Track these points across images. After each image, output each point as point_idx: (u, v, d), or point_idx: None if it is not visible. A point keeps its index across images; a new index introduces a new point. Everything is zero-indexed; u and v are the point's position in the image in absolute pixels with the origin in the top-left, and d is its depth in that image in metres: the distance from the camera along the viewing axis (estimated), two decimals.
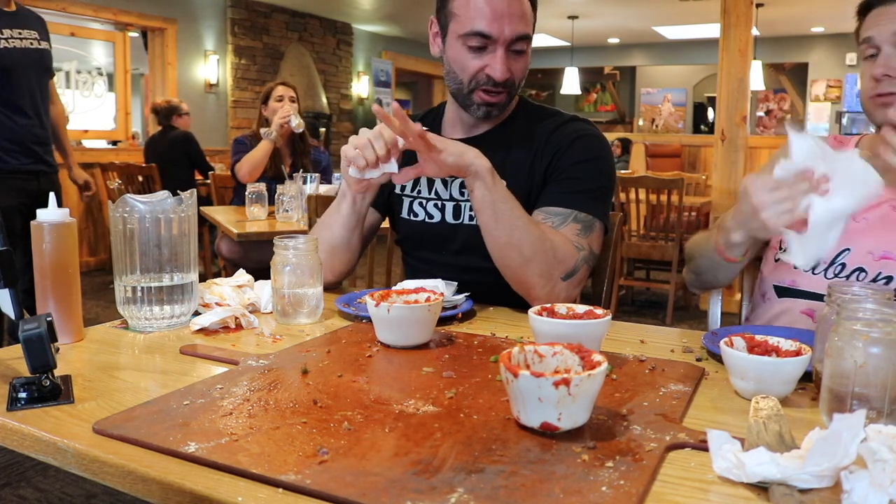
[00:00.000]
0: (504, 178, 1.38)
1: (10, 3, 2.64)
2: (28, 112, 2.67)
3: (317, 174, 3.36)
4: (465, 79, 1.33)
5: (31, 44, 2.67)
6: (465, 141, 1.43)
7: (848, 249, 1.22)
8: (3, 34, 2.57)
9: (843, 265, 1.23)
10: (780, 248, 1.29)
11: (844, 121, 9.92)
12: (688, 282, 1.43)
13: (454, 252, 1.43)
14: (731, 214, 1.14)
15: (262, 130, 3.52)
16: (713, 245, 1.21)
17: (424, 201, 1.46)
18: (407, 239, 1.53)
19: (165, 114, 5.42)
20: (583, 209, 1.31)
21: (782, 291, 1.29)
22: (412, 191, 1.48)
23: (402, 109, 1.11)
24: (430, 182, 1.45)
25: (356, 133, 1.25)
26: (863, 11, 1.26)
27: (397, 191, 1.50)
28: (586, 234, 1.30)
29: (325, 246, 1.34)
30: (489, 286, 1.31)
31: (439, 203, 1.44)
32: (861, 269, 1.23)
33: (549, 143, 1.37)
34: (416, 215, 1.47)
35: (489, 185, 1.19)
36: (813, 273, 1.26)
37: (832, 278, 1.24)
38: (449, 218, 1.43)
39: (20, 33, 2.63)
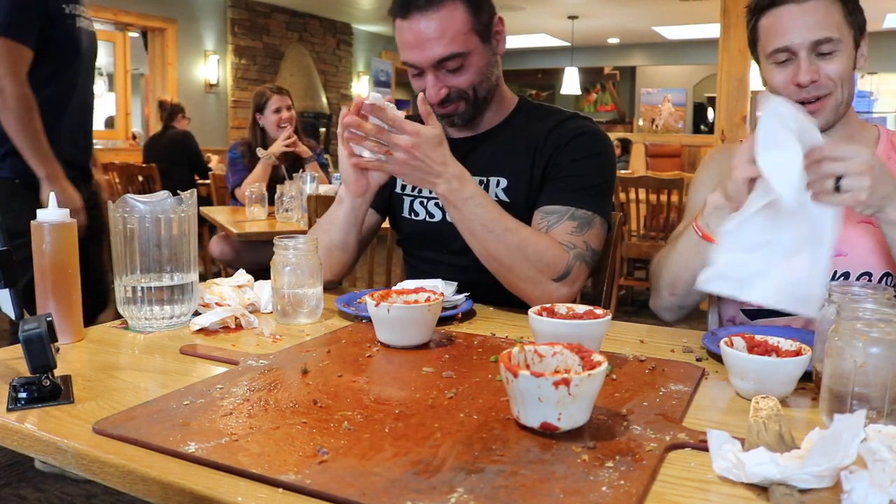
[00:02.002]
0: (503, 178, 1.39)
1: None
2: (84, 104, 2.25)
3: (317, 174, 3.36)
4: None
5: (90, 27, 2.24)
6: (465, 140, 1.43)
7: None
8: (77, 10, 2.10)
9: None
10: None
11: None
12: (658, 307, 1.31)
13: (455, 251, 1.42)
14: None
15: (260, 152, 3.43)
16: (691, 232, 1.16)
17: (425, 200, 1.46)
18: (408, 238, 1.53)
19: (170, 111, 5.44)
20: (581, 206, 1.31)
21: (754, 314, 1.27)
22: (413, 190, 1.48)
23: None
24: None
25: None
26: (764, 8, 1.20)
27: (398, 190, 1.50)
28: (582, 231, 1.30)
29: (322, 248, 1.34)
30: (491, 286, 1.31)
31: (440, 202, 1.44)
32: None
33: (547, 141, 1.37)
34: (416, 214, 1.47)
35: (455, 206, 1.22)
36: None
37: None
38: (450, 217, 1.43)
39: (84, 10, 2.17)
